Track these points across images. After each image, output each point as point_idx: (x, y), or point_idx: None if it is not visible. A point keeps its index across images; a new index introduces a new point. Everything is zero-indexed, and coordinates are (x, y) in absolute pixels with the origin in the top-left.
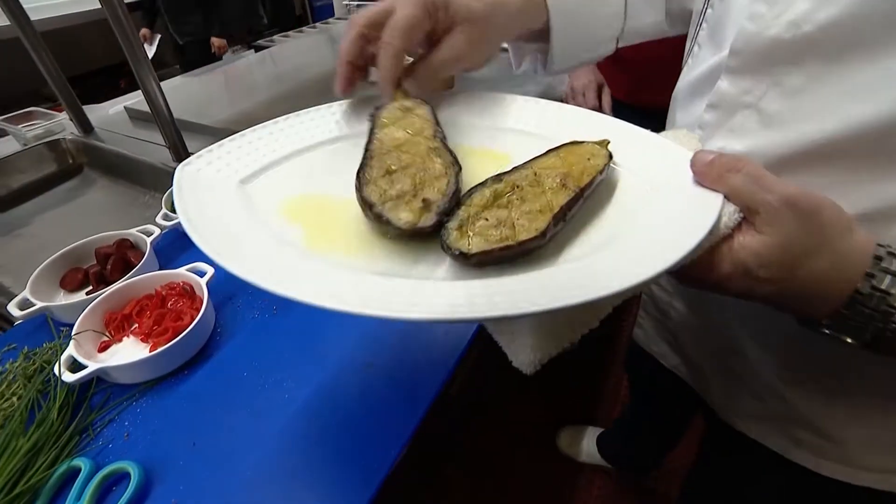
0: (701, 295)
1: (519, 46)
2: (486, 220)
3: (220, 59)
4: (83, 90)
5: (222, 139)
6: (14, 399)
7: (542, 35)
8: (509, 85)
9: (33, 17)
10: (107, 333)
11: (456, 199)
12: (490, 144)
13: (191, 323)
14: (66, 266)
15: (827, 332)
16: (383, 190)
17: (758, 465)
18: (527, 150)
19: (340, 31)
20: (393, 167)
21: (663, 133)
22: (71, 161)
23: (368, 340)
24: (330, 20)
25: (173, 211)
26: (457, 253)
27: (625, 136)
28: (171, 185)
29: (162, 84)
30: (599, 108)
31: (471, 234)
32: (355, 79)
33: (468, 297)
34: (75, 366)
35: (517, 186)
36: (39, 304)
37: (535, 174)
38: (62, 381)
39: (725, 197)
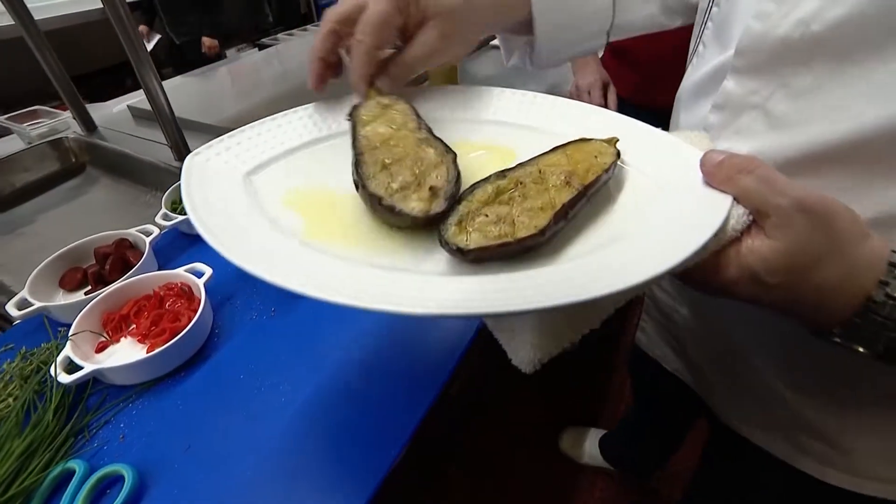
0: (705, 299)
1: (507, 39)
2: (486, 216)
3: (221, 58)
4: (90, 88)
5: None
6: (10, 400)
7: (528, 27)
8: (513, 83)
9: (37, 16)
10: (104, 334)
11: (459, 184)
12: (497, 140)
13: (188, 324)
14: (65, 266)
15: (838, 341)
16: (387, 184)
17: (762, 470)
18: (534, 146)
19: None
20: (387, 161)
21: (674, 133)
22: (74, 160)
23: (367, 342)
24: None
25: (173, 210)
26: (454, 248)
27: (634, 135)
28: (172, 185)
29: (166, 83)
30: (605, 108)
31: (470, 229)
32: (327, 76)
33: (463, 293)
34: (72, 367)
35: (520, 183)
36: (37, 304)
37: (540, 171)
38: (58, 383)
39: (735, 199)
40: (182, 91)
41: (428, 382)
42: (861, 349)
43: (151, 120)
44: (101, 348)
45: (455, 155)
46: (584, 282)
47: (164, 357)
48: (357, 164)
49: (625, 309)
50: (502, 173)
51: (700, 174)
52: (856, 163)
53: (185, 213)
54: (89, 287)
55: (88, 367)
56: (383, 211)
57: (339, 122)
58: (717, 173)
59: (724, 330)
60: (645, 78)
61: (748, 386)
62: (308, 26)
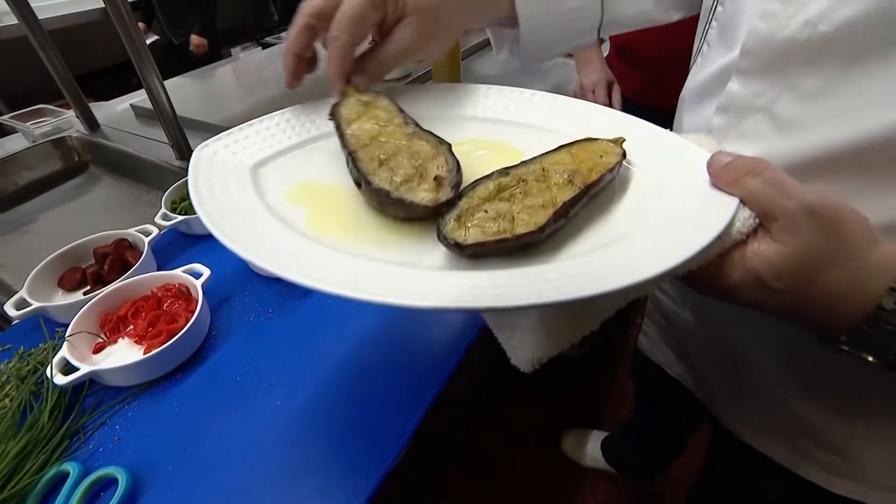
0: (707, 302)
1: (497, 33)
2: (486, 212)
3: (217, 57)
4: (96, 87)
5: None
6: (6, 401)
7: (514, 22)
8: (517, 82)
9: (41, 16)
10: (102, 335)
11: (460, 173)
12: (504, 139)
13: (185, 325)
14: (64, 265)
15: (845, 349)
16: (389, 178)
17: (766, 477)
18: (540, 145)
19: None
20: (382, 157)
21: (681, 135)
22: (76, 158)
23: (366, 342)
24: None
25: (173, 210)
26: (452, 243)
27: (641, 135)
28: (173, 184)
29: (168, 82)
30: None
31: (469, 225)
32: (302, 72)
33: (459, 288)
34: (68, 368)
35: (523, 180)
36: (35, 305)
37: (544, 169)
38: (54, 384)
39: (742, 202)
40: (184, 90)
41: (428, 381)
42: (870, 358)
43: (154, 119)
44: (98, 349)
45: (449, 145)
46: (582, 280)
47: (161, 359)
48: (354, 163)
49: (627, 311)
50: (505, 170)
51: (707, 176)
52: (865, 167)
53: (184, 214)
54: (88, 287)
55: (84, 369)
56: (392, 204)
57: None
58: (723, 175)
59: (727, 334)
60: (650, 78)
61: (751, 391)
62: None
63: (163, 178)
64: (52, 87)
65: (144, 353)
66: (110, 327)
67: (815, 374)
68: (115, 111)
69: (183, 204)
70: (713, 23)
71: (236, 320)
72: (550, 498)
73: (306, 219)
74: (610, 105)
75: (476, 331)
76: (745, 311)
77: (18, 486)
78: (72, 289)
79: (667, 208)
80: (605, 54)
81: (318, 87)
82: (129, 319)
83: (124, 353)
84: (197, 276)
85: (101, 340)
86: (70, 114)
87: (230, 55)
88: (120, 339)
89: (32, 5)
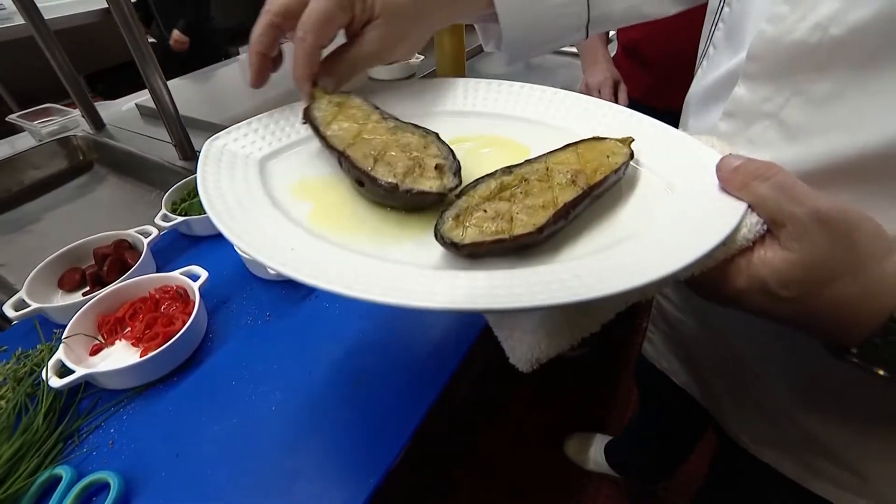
0: (711, 308)
1: (484, 28)
2: (485, 211)
3: (197, 55)
4: (107, 84)
5: None
6: (2, 403)
7: (496, 18)
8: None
9: (47, 16)
10: (99, 337)
11: (457, 159)
12: (511, 135)
13: (182, 328)
14: (64, 266)
15: (855, 361)
16: (392, 173)
17: (771, 489)
18: (548, 143)
19: None
20: (373, 153)
21: (694, 136)
22: (81, 157)
23: (364, 345)
24: None
25: (173, 211)
26: (449, 242)
27: (652, 134)
28: (175, 185)
29: (172, 82)
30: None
31: (467, 224)
32: (267, 71)
33: (452, 289)
34: (64, 370)
35: (525, 180)
36: (34, 306)
37: (548, 168)
38: (49, 386)
39: (750, 207)
40: (188, 90)
41: (428, 382)
42: (881, 371)
43: (159, 118)
44: (95, 351)
45: (437, 134)
46: (577, 284)
47: (157, 362)
48: (350, 162)
49: (633, 315)
50: (509, 169)
51: (716, 179)
52: (878, 176)
53: (185, 215)
54: (87, 288)
55: (80, 372)
56: (401, 197)
57: None
58: (732, 179)
59: (731, 341)
60: (657, 78)
61: (756, 401)
62: None
63: (166, 178)
64: (62, 86)
65: (141, 356)
66: (108, 329)
67: (823, 386)
68: (121, 110)
69: (183, 205)
70: (719, 24)
71: (234, 323)
72: (553, 500)
73: (309, 213)
74: None
75: (477, 331)
76: (749, 318)
77: (11, 489)
78: (71, 289)
79: (672, 211)
80: (612, 54)
81: None
82: (127, 321)
83: (121, 356)
84: (195, 278)
85: (98, 342)
86: (76, 113)
87: (237, 54)
88: (117, 342)
89: (39, 5)
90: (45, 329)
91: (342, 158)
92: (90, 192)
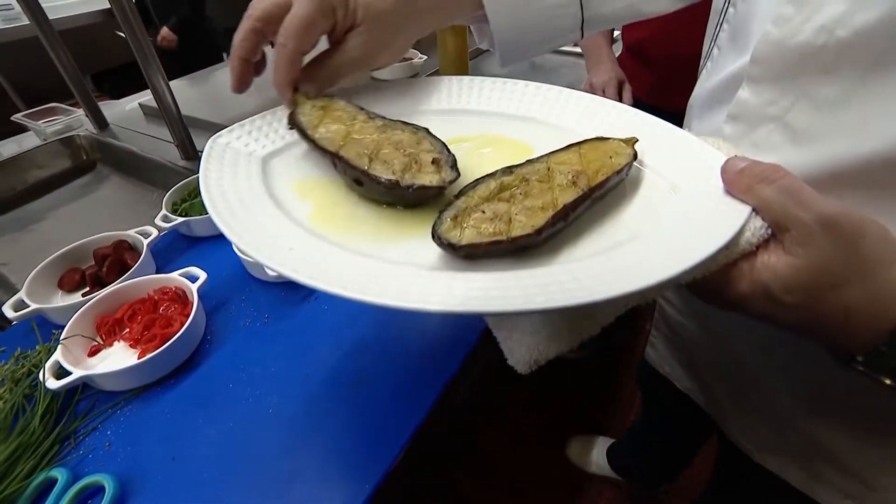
0: (712, 312)
1: (480, 28)
2: (483, 212)
3: (178, 51)
4: (114, 83)
5: None
6: (0, 403)
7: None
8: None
9: (51, 16)
10: (98, 338)
11: (451, 153)
12: (514, 135)
13: (180, 329)
14: (64, 266)
15: (861, 370)
16: (391, 170)
17: (775, 496)
18: (551, 142)
19: None
20: (367, 153)
21: (700, 137)
22: (85, 157)
23: (363, 347)
24: None
25: (173, 212)
26: (446, 243)
27: (655, 135)
28: (176, 185)
29: (174, 82)
30: None
31: (465, 225)
32: (249, 76)
33: (448, 290)
34: (61, 372)
35: (525, 180)
36: (33, 306)
37: (549, 169)
38: (46, 388)
39: (754, 210)
40: (190, 90)
41: (428, 384)
42: (887, 381)
43: (161, 118)
44: (93, 352)
45: (427, 129)
46: (576, 287)
47: (154, 364)
48: (345, 163)
49: (636, 317)
50: (509, 169)
51: (720, 181)
52: (884, 181)
53: (185, 215)
54: (87, 289)
55: (77, 374)
56: (402, 193)
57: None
58: (737, 181)
59: (733, 345)
60: (662, 79)
61: (758, 406)
62: None
63: (168, 178)
64: (68, 86)
65: (139, 358)
66: (106, 330)
67: (827, 392)
68: (125, 110)
69: (184, 205)
70: (724, 25)
71: (232, 325)
72: (553, 499)
73: (310, 212)
74: None
75: (478, 333)
76: (751, 323)
77: (6, 491)
78: (71, 290)
79: (675, 213)
80: (617, 54)
81: None
82: (126, 322)
83: (119, 357)
84: (193, 279)
85: (96, 343)
86: (81, 112)
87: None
88: (116, 343)
89: (43, 6)
90: (46, 329)
91: (336, 160)
92: (93, 191)
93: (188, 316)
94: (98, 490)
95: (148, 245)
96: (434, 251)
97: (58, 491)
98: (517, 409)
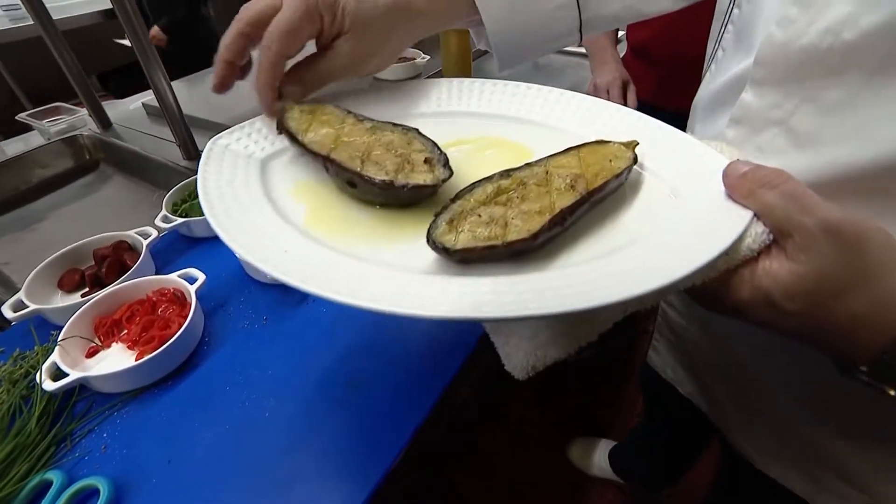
0: (714, 317)
1: (477, 30)
2: (479, 216)
3: (169, 51)
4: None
5: None
6: None
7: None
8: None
9: (55, 16)
10: (96, 339)
11: (443, 152)
12: (513, 137)
13: (177, 331)
14: (64, 267)
15: (865, 379)
16: (384, 171)
17: (777, 502)
18: (551, 145)
19: None
20: (358, 154)
21: (703, 141)
22: (88, 156)
23: (362, 348)
24: None
25: (174, 213)
26: (440, 248)
27: (657, 138)
28: (177, 185)
29: (177, 81)
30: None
31: (460, 229)
32: (232, 79)
33: (442, 294)
34: (58, 373)
35: (523, 184)
36: (32, 307)
37: (547, 172)
38: (43, 389)
39: (756, 215)
40: (192, 89)
41: (427, 386)
42: (891, 392)
43: (163, 118)
44: (91, 353)
45: (417, 129)
46: (572, 293)
47: (151, 366)
48: (338, 166)
49: (639, 319)
50: (507, 172)
51: (722, 185)
52: (890, 186)
53: (185, 216)
54: (87, 289)
55: (74, 375)
56: (397, 193)
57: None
58: (739, 186)
59: (735, 351)
60: (666, 80)
61: (759, 411)
62: None
63: (169, 178)
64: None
65: (137, 360)
66: (105, 331)
67: (829, 398)
68: (128, 109)
69: (184, 206)
70: (728, 26)
71: (230, 327)
72: (553, 500)
73: (306, 215)
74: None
75: (476, 336)
76: (753, 328)
77: (1, 494)
78: (71, 290)
79: (674, 217)
80: (621, 54)
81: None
82: (124, 324)
83: (117, 359)
84: (192, 280)
85: (94, 344)
86: (84, 112)
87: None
88: (114, 344)
89: (47, 6)
90: (45, 330)
91: (328, 163)
92: (95, 191)
93: (186, 317)
94: (92, 493)
95: (147, 246)
96: (429, 253)
97: (52, 494)
98: (518, 407)
